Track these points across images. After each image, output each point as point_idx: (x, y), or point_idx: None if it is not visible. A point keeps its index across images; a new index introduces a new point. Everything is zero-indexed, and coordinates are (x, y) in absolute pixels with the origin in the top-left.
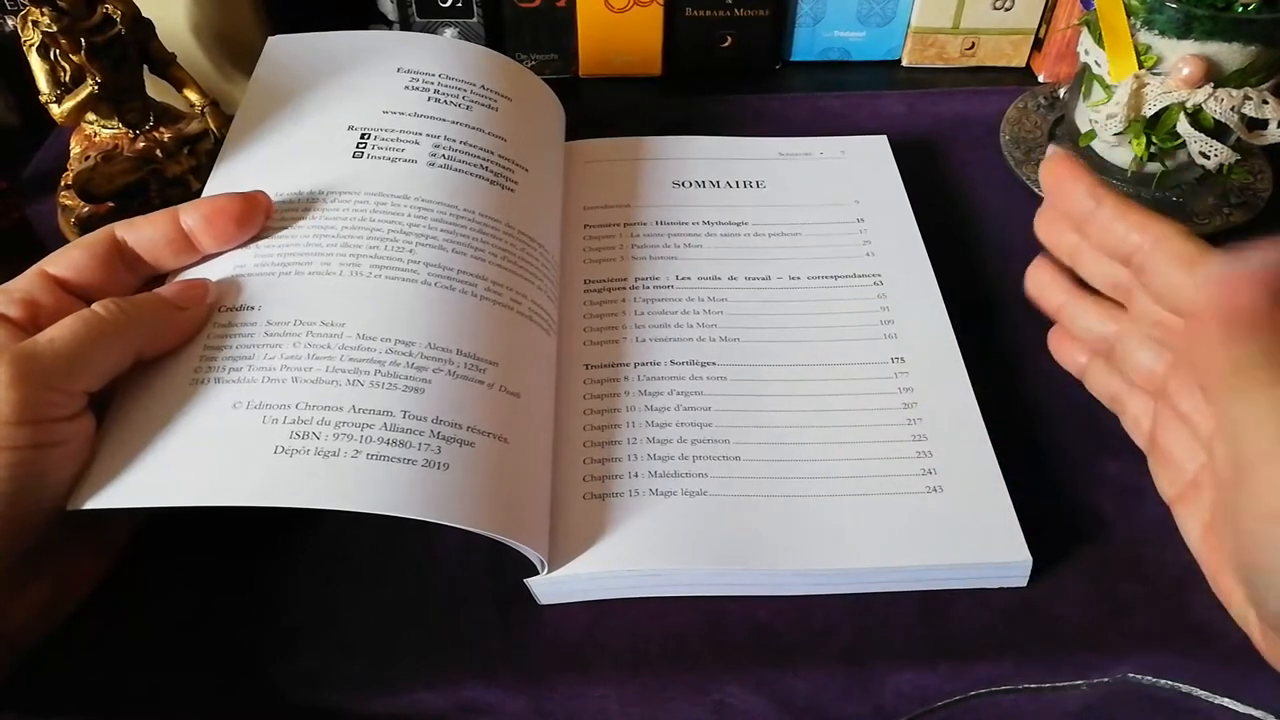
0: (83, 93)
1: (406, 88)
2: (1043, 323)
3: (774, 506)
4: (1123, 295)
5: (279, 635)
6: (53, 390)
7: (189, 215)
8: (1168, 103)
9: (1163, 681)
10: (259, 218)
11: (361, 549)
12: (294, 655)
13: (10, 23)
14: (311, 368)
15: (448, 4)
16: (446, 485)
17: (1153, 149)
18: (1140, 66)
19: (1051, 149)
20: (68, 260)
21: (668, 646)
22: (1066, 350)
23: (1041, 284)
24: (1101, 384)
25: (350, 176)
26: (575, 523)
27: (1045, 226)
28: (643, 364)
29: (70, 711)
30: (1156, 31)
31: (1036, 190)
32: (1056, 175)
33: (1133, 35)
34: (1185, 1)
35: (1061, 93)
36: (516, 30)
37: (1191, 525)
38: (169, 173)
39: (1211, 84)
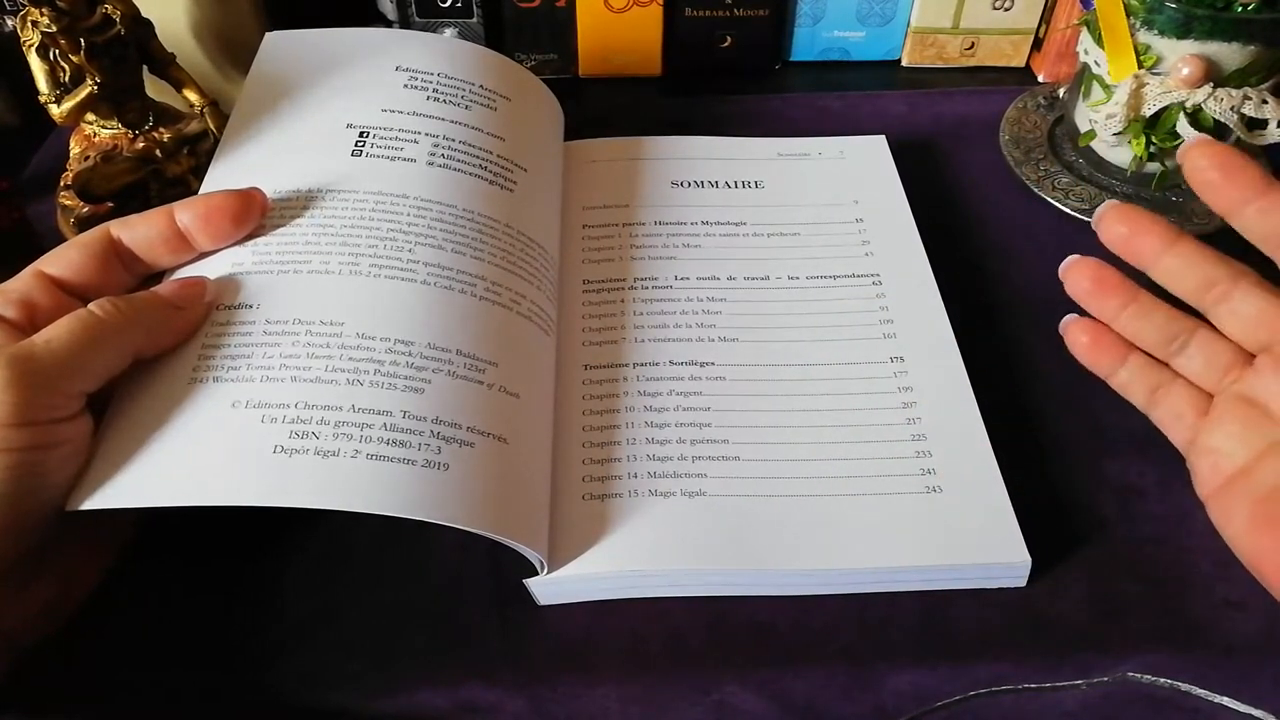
0: (82, 93)
1: (405, 86)
2: (1041, 322)
3: (773, 506)
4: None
5: (279, 635)
6: (51, 392)
7: (184, 213)
8: (1167, 103)
9: (1163, 681)
10: (255, 215)
11: (361, 549)
12: (294, 655)
13: (10, 23)
14: (310, 367)
15: (447, 4)
16: (446, 486)
17: (1152, 149)
18: (1140, 66)
19: (1109, 203)
20: (64, 260)
21: (668, 646)
22: (1105, 345)
23: (1090, 284)
24: (1142, 379)
25: (349, 175)
26: (574, 523)
27: (1099, 298)
28: (642, 364)
29: (71, 711)
30: (1156, 31)
31: (1036, 190)
32: (1130, 224)
33: (1132, 35)
34: (1185, 1)
35: (1061, 93)
36: (516, 30)
37: (1237, 514)
38: (169, 173)
39: (1211, 84)
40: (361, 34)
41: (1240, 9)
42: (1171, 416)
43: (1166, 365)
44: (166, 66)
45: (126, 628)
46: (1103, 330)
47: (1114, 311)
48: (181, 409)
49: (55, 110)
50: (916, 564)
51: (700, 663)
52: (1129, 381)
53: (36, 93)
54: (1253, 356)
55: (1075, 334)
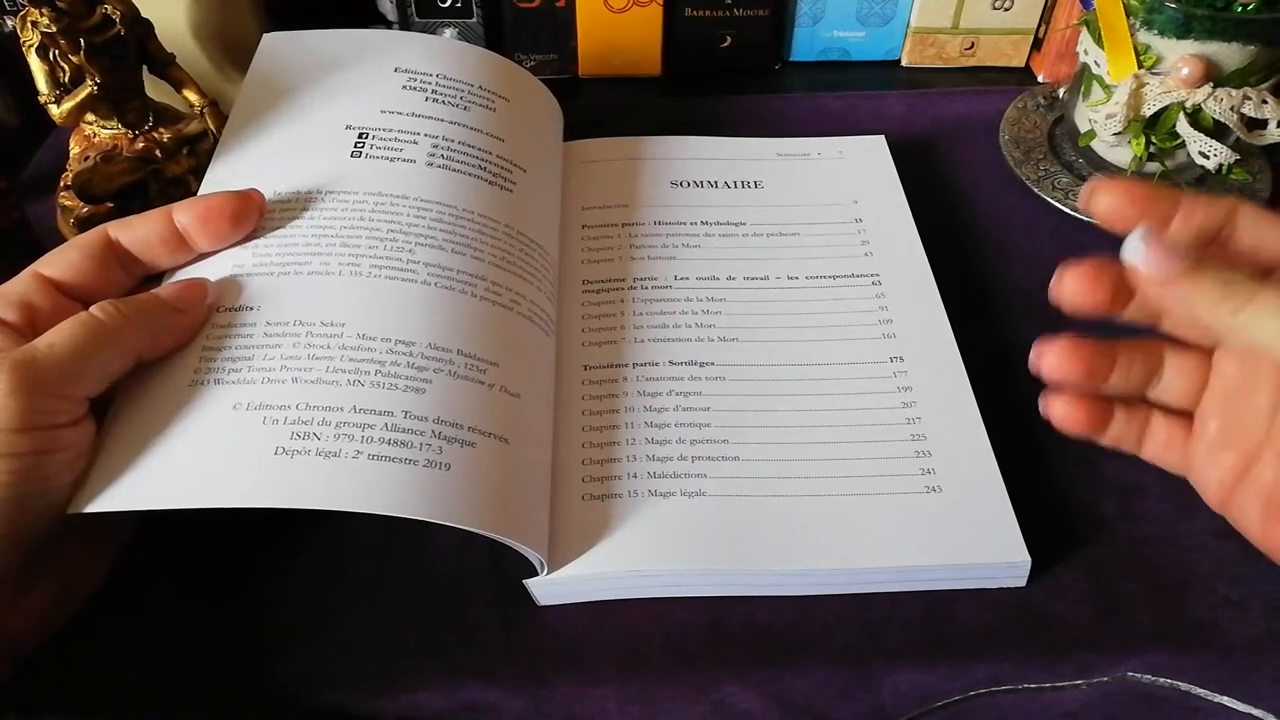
0: (82, 93)
1: (404, 87)
2: (1041, 323)
3: (773, 506)
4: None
5: (279, 635)
6: (53, 397)
7: (182, 214)
8: (1167, 103)
9: (1162, 681)
10: (253, 216)
11: (362, 549)
12: (294, 655)
13: (10, 23)
14: (312, 368)
15: (447, 4)
16: (447, 486)
17: (1152, 149)
18: (1140, 66)
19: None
20: (62, 261)
21: (668, 646)
22: (1088, 407)
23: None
24: (1128, 425)
25: (349, 176)
26: (574, 523)
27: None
28: (641, 364)
29: (71, 711)
30: (1156, 31)
31: (1035, 190)
32: (1125, 197)
33: (1132, 35)
34: (1185, 1)
35: (1061, 93)
36: (516, 30)
37: (1252, 515)
38: (168, 173)
39: (1211, 84)
40: (360, 35)
41: (1240, 9)
42: (1161, 448)
43: (1142, 399)
44: (166, 66)
45: (127, 628)
46: (1081, 396)
47: (1101, 371)
48: (183, 411)
49: (55, 110)
50: (916, 564)
51: (700, 663)
52: (1120, 435)
53: (36, 93)
54: (1211, 353)
55: (1058, 407)
